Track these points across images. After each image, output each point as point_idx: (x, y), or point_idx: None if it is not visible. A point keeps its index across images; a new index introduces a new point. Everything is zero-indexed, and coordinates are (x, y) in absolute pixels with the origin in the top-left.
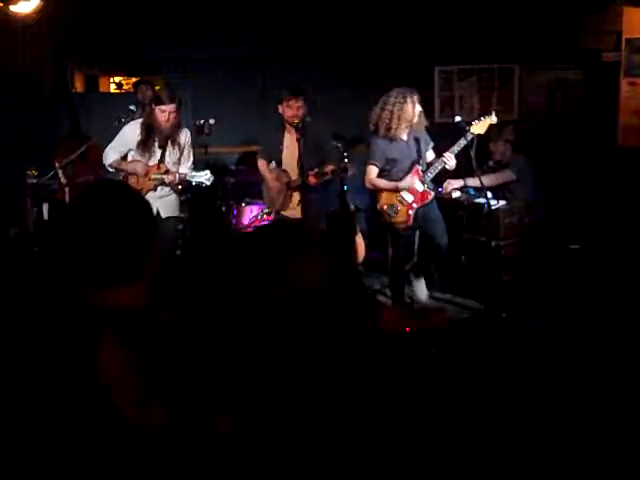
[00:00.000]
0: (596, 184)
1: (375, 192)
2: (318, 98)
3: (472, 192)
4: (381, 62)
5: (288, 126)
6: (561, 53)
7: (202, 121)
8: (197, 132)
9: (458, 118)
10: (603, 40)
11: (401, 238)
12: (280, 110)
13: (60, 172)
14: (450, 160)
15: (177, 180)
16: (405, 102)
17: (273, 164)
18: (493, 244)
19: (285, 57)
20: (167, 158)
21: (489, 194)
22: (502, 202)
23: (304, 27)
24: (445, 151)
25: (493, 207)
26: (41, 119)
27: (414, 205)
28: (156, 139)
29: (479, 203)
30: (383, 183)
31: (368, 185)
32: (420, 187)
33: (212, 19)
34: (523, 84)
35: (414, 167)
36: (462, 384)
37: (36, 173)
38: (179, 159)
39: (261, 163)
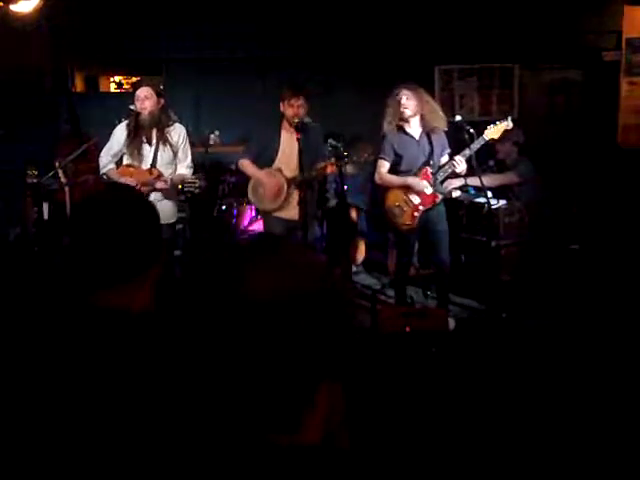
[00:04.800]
0: (596, 184)
1: (383, 190)
2: (318, 98)
3: (472, 192)
4: (381, 61)
5: (287, 125)
6: (561, 52)
7: (207, 132)
8: (202, 144)
9: (458, 117)
10: (603, 39)
11: (403, 240)
12: (282, 108)
13: (60, 172)
14: (460, 164)
15: (168, 186)
16: (395, 96)
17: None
18: (493, 244)
19: (285, 57)
20: (159, 159)
21: (489, 194)
22: (502, 202)
23: (304, 27)
24: (453, 152)
25: (493, 207)
26: (41, 119)
27: (420, 207)
28: (143, 138)
29: (479, 203)
30: (392, 178)
31: (378, 180)
32: (428, 190)
33: (212, 19)
34: (523, 84)
35: (423, 169)
36: (462, 384)
37: (36, 173)
38: (173, 159)
39: (246, 163)
